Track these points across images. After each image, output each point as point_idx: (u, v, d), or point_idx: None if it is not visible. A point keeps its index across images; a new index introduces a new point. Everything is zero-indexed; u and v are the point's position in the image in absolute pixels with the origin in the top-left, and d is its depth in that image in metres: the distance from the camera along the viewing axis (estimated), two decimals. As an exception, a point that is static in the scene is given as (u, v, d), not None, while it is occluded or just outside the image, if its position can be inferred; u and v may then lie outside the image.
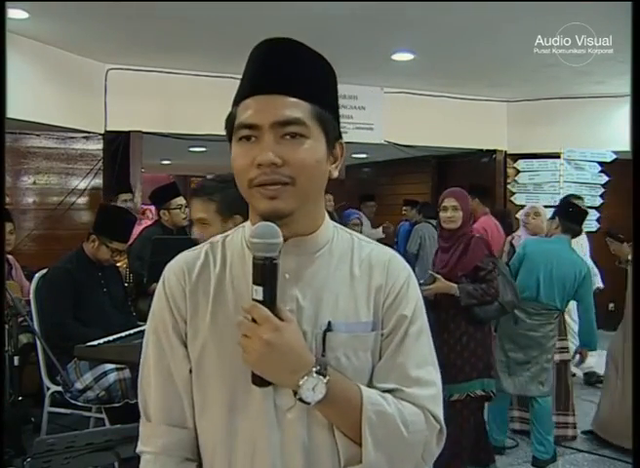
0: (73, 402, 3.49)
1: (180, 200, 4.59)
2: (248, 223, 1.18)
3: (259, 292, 1.04)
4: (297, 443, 1.09)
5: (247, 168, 1.08)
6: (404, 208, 8.11)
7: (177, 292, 1.16)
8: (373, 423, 1.06)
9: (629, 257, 4.37)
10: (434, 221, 7.35)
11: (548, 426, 4.06)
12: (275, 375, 1.05)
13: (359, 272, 1.17)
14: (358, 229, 4.91)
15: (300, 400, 1.04)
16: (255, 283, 1.04)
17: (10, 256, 4.59)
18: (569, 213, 4.19)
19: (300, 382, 1.03)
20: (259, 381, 1.06)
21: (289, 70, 1.10)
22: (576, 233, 4.17)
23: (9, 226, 4.39)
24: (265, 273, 1.04)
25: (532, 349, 4.03)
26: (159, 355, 1.16)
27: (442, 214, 3.57)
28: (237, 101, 1.11)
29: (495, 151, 7.63)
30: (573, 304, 4.34)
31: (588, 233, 5.63)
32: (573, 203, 4.50)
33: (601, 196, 6.75)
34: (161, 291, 1.18)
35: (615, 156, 6.71)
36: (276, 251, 1.04)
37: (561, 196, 6.62)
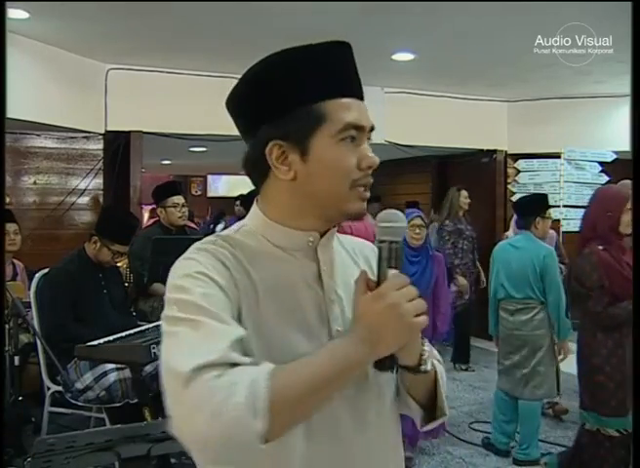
0: (74, 402, 3.49)
1: (178, 199, 4.57)
2: (256, 223, 1.13)
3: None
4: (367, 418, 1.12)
5: (352, 168, 1.07)
6: (407, 210, 8.10)
7: (219, 267, 1.05)
8: (443, 382, 1.20)
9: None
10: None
11: (533, 428, 4.04)
12: (416, 347, 1.10)
13: (358, 259, 1.22)
14: (424, 232, 4.06)
15: (418, 370, 1.11)
16: (390, 266, 1.04)
17: (16, 261, 4.62)
18: (517, 209, 4.55)
19: (425, 349, 1.12)
20: (388, 364, 1.05)
21: (359, 77, 1.16)
22: (528, 224, 4.18)
23: (14, 227, 4.43)
24: (399, 255, 1.05)
25: (522, 349, 4.05)
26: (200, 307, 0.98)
27: (627, 218, 3.13)
28: (319, 97, 1.07)
29: (495, 151, 7.63)
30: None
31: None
32: (518, 200, 4.59)
33: (601, 196, 6.75)
34: (195, 264, 1.04)
35: (615, 156, 6.71)
36: (402, 235, 1.09)
37: (561, 196, 6.66)
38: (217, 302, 0.99)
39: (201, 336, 0.93)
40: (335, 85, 1.09)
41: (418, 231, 4.01)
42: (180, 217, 4.54)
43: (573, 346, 4.01)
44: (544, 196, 4.46)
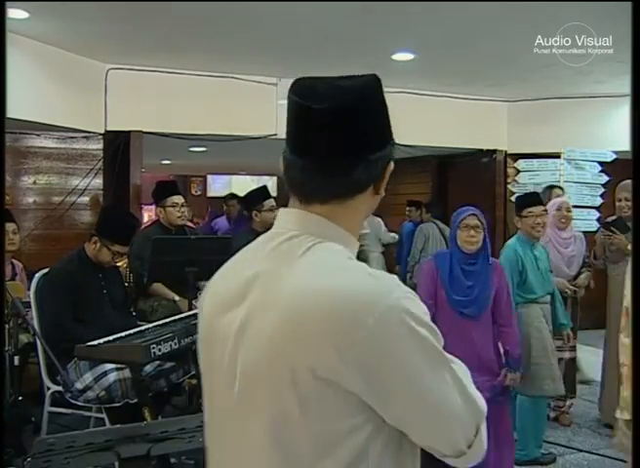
0: (73, 401, 3.49)
1: (178, 199, 4.55)
2: (335, 235, 1.12)
3: None
4: None
5: None
6: (407, 208, 8.14)
7: None
8: None
9: (629, 247, 4.37)
10: (439, 222, 7.43)
11: (523, 425, 4.00)
12: None
13: None
14: (481, 234, 3.33)
15: None
16: None
17: (15, 261, 4.62)
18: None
19: None
20: None
21: None
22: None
23: (12, 226, 4.41)
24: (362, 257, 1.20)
25: None
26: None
27: None
28: None
29: (495, 151, 7.63)
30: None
31: (587, 233, 5.62)
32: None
33: (601, 196, 6.75)
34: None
35: (615, 156, 6.71)
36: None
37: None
38: None
39: (463, 380, 1.07)
40: None
41: (472, 233, 3.31)
42: (179, 217, 4.53)
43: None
44: (522, 196, 4.49)
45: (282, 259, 1.07)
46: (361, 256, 1.16)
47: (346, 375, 0.96)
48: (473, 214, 3.35)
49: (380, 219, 7.77)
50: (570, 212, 4.81)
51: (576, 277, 4.80)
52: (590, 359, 4.96)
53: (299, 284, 1.02)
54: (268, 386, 1.01)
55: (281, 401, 1.00)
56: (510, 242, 4.20)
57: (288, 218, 1.12)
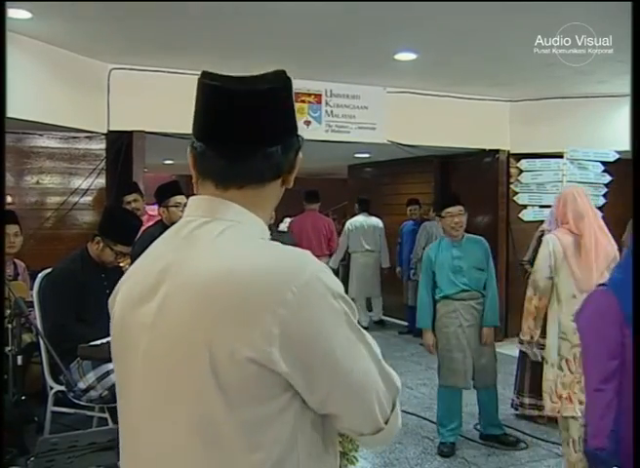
0: (76, 401, 3.51)
1: (181, 198, 4.56)
2: (258, 223, 1.18)
3: None
4: None
5: None
6: (409, 207, 8.13)
7: None
8: None
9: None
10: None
11: (439, 414, 4.39)
12: None
13: None
14: None
15: None
16: None
17: (17, 261, 4.61)
18: None
19: None
20: None
21: None
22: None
23: (15, 228, 4.35)
24: None
25: None
26: None
27: None
28: None
29: (497, 151, 7.63)
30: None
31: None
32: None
33: (604, 196, 6.74)
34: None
35: (618, 156, 6.70)
36: None
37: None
38: None
39: (378, 354, 1.10)
40: None
41: None
42: (181, 217, 4.53)
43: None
44: (441, 197, 4.58)
45: (195, 245, 1.06)
46: None
47: (273, 356, 0.95)
48: None
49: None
50: None
51: None
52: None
53: (213, 266, 1.00)
54: (188, 377, 0.98)
55: (203, 391, 0.97)
56: (430, 245, 4.51)
57: (199, 205, 1.13)
